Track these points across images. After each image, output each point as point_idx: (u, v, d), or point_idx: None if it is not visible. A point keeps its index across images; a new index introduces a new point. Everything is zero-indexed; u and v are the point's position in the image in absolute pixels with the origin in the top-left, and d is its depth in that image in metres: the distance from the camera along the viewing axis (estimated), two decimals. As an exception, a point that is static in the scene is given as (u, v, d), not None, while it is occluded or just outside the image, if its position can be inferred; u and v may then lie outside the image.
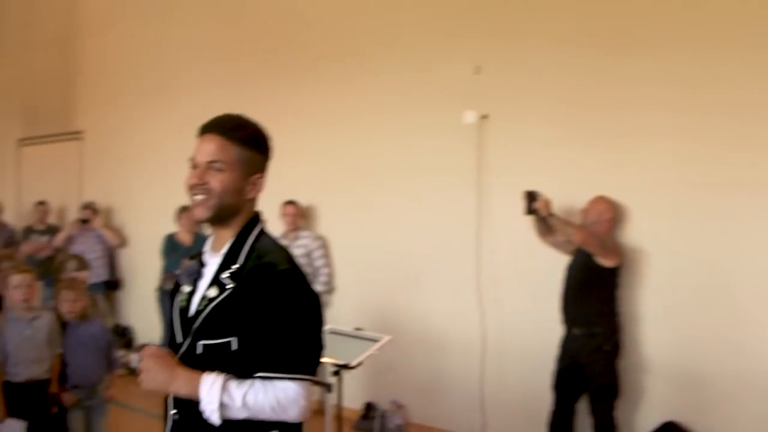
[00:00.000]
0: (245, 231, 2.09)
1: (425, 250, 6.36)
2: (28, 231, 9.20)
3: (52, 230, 9.05)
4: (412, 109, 6.41)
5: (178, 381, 1.96)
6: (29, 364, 4.43)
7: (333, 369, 4.35)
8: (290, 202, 6.98)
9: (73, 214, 9.28)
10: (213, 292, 2.02)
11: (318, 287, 6.81)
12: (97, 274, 8.56)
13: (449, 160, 6.17)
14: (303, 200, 7.08)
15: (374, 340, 4.50)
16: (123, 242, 9.00)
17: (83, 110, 9.67)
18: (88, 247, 8.56)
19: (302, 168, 7.15)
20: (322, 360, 2.08)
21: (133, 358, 8.32)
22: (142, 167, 8.79)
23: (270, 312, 1.93)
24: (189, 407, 1.97)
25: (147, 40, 8.85)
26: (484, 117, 5.93)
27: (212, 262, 2.11)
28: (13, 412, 4.35)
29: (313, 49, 7.18)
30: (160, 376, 1.98)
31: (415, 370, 6.41)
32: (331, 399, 4.40)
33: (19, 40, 10.67)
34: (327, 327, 5.02)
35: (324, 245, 6.99)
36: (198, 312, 2.03)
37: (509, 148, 5.85)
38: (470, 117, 5.96)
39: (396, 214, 6.56)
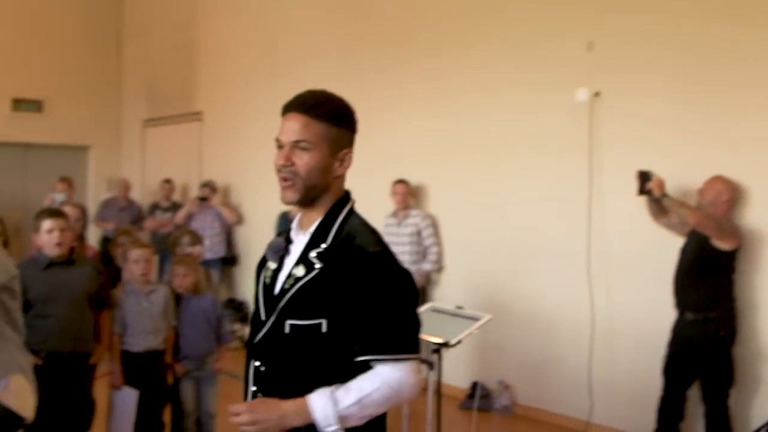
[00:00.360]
0: (334, 210, 2.03)
1: (535, 230, 6.26)
2: (154, 208, 9.62)
3: (176, 207, 9.41)
4: (523, 86, 6.31)
5: (289, 416, 1.89)
6: (145, 336, 4.63)
7: (433, 347, 4.36)
8: (400, 181, 7.00)
9: (194, 192, 9.62)
10: (300, 270, 1.97)
11: (427, 266, 6.84)
12: (214, 250, 8.87)
13: (560, 138, 6.05)
14: (413, 179, 7.09)
15: (476, 319, 4.47)
16: (240, 219, 9.26)
17: (203, 92, 9.97)
18: (206, 224, 8.87)
19: (413, 146, 7.17)
20: (421, 338, 2.05)
21: (247, 332, 8.56)
22: (258, 147, 8.93)
23: (366, 294, 1.88)
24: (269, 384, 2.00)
25: (266, 22, 9.04)
26: (596, 94, 5.78)
27: (299, 239, 2.06)
28: (129, 381, 4.57)
29: (426, 25, 7.15)
30: (270, 421, 1.89)
31: (522, 351, 6.34)
32: (433, 377, 4.41)
33: (144, 24, 11.09)
34: (429, 305, 5.03)
35: (433, 224, 6.99)
36: (284, 290, 1.98)
37: (622, 126, 5.68)
38: (582, 95, 5.83)
39: (506, 193, 6.49)
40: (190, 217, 8.99)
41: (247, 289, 9.26)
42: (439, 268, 6.96)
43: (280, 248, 2.10)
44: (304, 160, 1.97)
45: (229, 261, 9.30)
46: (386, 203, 7.03)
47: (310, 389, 1.90)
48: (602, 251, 5.79)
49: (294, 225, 2.13)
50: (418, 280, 6.73)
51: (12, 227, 4.56)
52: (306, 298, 1.94)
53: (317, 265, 1.95)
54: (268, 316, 2.02)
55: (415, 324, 1.96)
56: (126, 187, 9.74)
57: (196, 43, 10.13)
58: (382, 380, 1.88)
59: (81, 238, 6.24)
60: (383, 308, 1.89)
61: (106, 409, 4.63)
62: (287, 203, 2.04)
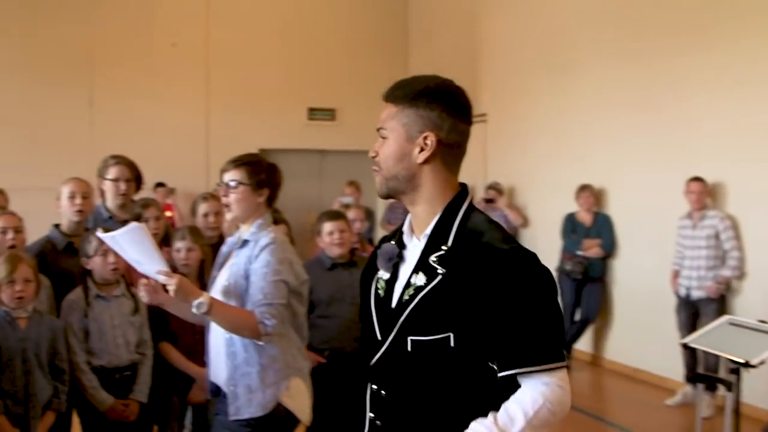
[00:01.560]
0: (451, 207, 1.78)
1: None
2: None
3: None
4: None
5: None
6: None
7: (732, 366, 3.89)
8: (696, 179, 6.43)
9: (479, 194, 9.61)
10: (421, 278, 1.73)
11: (726, 272, 6.22)
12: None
13: None
14: (709, 177, 6.48)
15: (784, 335, 3.93)
16: (525, 222, 9.10)
17: (486, 92, 9.92)
18: (492, 226, 8.81)
19: (708, 140, 6.56)
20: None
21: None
22: (542, 146, 8.78)
23: (502, 298, 1.64)
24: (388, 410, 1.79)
25: (549, 16, 8.78)
26: None
27: (413, 244, 1.84)
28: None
29: (727, 6, 6.51)
30: None
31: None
32: (731, 398, 3.95)
33: (429, 28, 11.29)
34: (726, 318, 4.52)
35: (733, 226, 6.33)
36: (403, 302, 1.75)
37: None
38: None
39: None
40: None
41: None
42: (741, 274, 6.28)
43: (393, 255, 1.85)
44: (382, 149, 1.82)
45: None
46: (679, 203, 6.50)
47: (438, 414, 1.69)
48: None
49: (405, 228, 1.90)
50: (715, 288, 6.19)
51: (308, 229, 4.79)
52: (430, 309, 1.70)
53: (440, 271, 1.71)
54: (385, 334, 1.79)
55: (560, 327, 1.71)
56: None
57: (479, 44, 10.11)
58: (543, 396, 1.63)
59: (369, 240, 6.45)
60: (524, 312, 1.64)
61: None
62: (381, 197, 1.88)
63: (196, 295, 2.80)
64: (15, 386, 3.36)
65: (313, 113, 11.10)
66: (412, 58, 11.64)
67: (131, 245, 2.84)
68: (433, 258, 1.73)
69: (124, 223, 4.39)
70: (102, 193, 4.45)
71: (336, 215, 4.61)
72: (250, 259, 2.99)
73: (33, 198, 5.64)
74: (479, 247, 1.69)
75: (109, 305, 3.70)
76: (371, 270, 1.93)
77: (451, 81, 1.85)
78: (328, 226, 4.46)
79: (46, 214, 4.22)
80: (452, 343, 1.66)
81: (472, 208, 1.81)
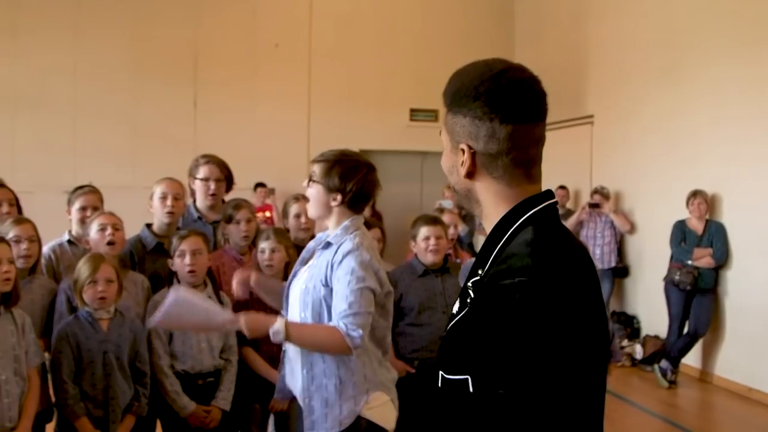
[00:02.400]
0: (501, 226, 1.47)
1: None
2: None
3: (569, 214, 9.11)
4: None
5: None
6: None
7: None
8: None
9: (585, 198, 9.25)
10: (456, 308, 1.46)
11: None
12: (605, 260, 8.44)
13: None
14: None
15: None
16: (632, 228, 8.68)
17: (594, 94, 9.56)
18: (597, 232, 8.52)
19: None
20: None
21: (637, 349, 7.98)
22: (651, 149, 8.35)
23: (494, 346, 1.30)
24: None
25: (660, 15, 8.34)
26: None
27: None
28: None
29: None
30: None
31: None
32: None
33: (534, 29, 10.98)
34: None
35: None
36: (445, 331, 1.49)
37: None
38: None
39: None
40: (580, 224, 8.63)
41: (637, 302, 8.66)
42: None
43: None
44: (442, 159, 1.60)
45: (620, 272, 8.75)
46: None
47: None
48: None
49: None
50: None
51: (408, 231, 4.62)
52: (455, 343, 1.42)
53: (469, 299, 1.41)
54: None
55: (556, 404, 1.31)
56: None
57: (586, 45, 9.74)
58: None
59: (470, 246, 6.24)
60: (512, 373, 1.29)
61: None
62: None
63: (270, 323, 2.67)
64: (95, 389, 3.32)
65: (415, 114, 10.95)
66: (517, 59, 11.15)
67: (185, 312, 2.72)
68: (470, 284, 1.45)
69: (214, 224, 4.35)
70: (192, 193, 4.40)
71: (433, 220, 4.42)
72: (331, 265, 2.81)
73: (136, 196, 5.68)
74: (491, 277, 1.37)
75: (194, 308, 3.61)
76: None
77: (509, 67, 1.49)
78: (424, 231, 4.29)
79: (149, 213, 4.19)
80: (471, 388, 1.33)
81: (529, 223, 1.45)
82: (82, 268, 3.35)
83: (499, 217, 1.47)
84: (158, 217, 4.03)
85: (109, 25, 9.81)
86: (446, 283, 4.30)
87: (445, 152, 1.55)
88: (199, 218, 4.36)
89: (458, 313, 1.41)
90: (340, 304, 2.73)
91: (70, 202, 4.15)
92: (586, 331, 1.36)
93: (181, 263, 3.57)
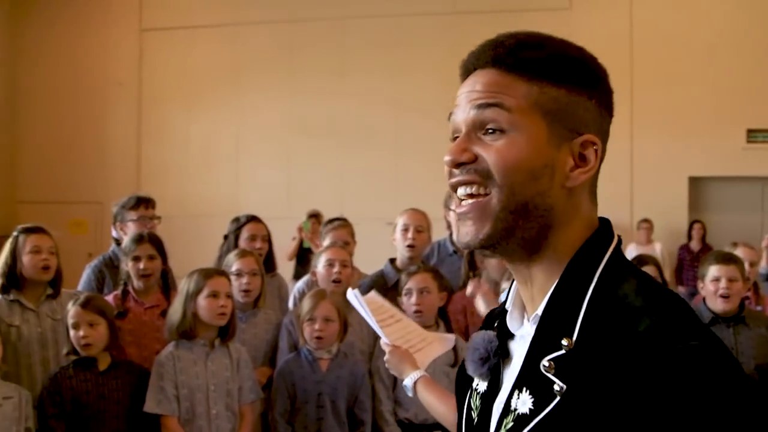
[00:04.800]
0: (580, 264, 0.97)
1: None
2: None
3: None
4: None
5: None
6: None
7: None
8: None
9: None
10: (525, 401, 0.94)
11: None
12: None
13: None
14: None
15: None
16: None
17: None
18: None
19: None
20: None
21: None
22: None
23: None
24: None
25: None
26: None
27: (522, 330, 1.04)
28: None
29: None
30: None
31: None
32: None
33: None
34: None
35: None
36: None
37: None
38: None
39: None
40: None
41: None
42: None
43: (488, 350, 1.06)
44: (493, 151, 0.98)
45: None
46: None
47: None
48: None
49: (510, 301, 1.09)
50: None
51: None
52: None
53: (557, 387, 0.90)
54: None
55: None
56: None
57: None
58: None
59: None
60: None
61: None
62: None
63: (406, 373, 2.33)
64: (307, 431, 3.16)
65: (753, 135, 9.61)
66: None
67: (366, 311, 2.46)
68: (546, 362, 0.94)
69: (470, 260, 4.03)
70: (448, 225, 4.13)
71: (726, 258, 3.66)
72: None
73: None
74: (632, 341, 0.87)
75: (424, 351, 3.32)
76: (464, 375, 1.16)
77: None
78: (713, 271, 3.58)
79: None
80: None
81: (617, 263, 0.99)
82: (305, 304, 3.24)
83: (573, 254, 0.99)
84: (399, 250, 3.83)
85: (427, 66, 9.96)
86: (740, 336, 3.54)
87: (517, 141, 0.97)
88: (455, 252, 4.07)
89: (536, 412, 0.92)
90: None
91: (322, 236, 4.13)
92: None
93: (408, 302, 3.31)
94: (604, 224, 1.03)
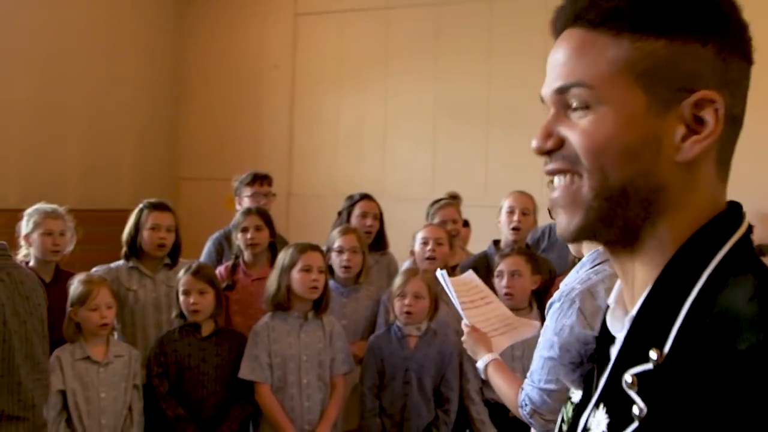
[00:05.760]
0: (685, 259, 0.79)
1: None
2: None
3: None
4: None
5: None
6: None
7: None
8: None
9: None
10: (600, 422, 0.80)
11: None
12: None
13: None
14: None
15: None
16: None
17: None
18: None
19: None
20: None
21: None
22: None
23: None
24: None
25: None
26: None
27: (621, 335, 0.85)
28: None
29: None
30: None
31: None
32: None
33: None
34: None
35: None
36: None
37: None
38: None
39: None
40: None
41: None
42: None
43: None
44: (579, 131, 0.83)
45: None
46: None
47: None
48: None
49: (612, 294, 0.92)
50: None
51: None
52: None
53: (636, 410, 0.75)
54: None
55: None
56: None
57: None
58: None
59: None
60: None
61: None
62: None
63: (479, 354, 2.36)
64: (393, 406, 3.23)
65: None
66: None
67: (451, 290, 2.49)
68: (629, 376, 0.78)
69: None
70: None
71: None
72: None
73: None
74: (726, 365, 0.69)
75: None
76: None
77: None
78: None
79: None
80: None
81: (741, 255, 0.79)
82: (397, 280, 3.30)
83: (685, 242, 0.81)
84: (504, 233, 3.80)
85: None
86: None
87: (608, 115, 0.81)
88: (559, 240, 4.00)
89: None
90: (531, 365, 2.16)
91: (428, 216, 4.15)
92: None
93: (499, 284, 3.30)
94: (733, 208, 0.84)
